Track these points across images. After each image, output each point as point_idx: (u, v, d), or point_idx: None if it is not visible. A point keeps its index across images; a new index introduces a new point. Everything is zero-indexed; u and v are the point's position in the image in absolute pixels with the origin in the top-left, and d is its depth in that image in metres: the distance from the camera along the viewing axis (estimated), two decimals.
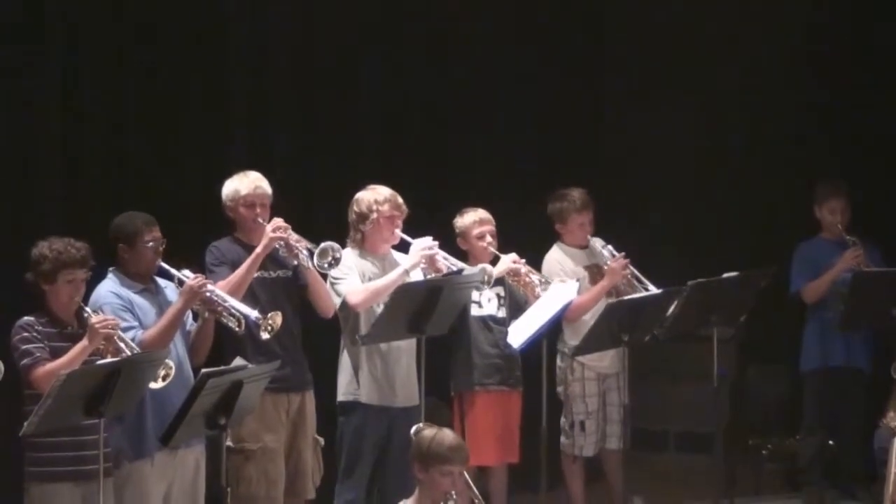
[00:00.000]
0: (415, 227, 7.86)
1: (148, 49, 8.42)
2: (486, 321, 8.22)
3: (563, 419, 8.64)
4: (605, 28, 10.67)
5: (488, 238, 8.21)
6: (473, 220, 8.26)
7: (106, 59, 8.27)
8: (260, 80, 8.99)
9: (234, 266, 7.35)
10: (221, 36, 8.82)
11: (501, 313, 8.24)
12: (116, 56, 8.31)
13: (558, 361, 8.54)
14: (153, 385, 6.47)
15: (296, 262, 7.42)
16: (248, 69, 8.92)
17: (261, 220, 7.42)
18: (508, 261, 8.08)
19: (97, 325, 6.44)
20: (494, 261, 8.12)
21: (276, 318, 6.95)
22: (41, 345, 6.46)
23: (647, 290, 8.31)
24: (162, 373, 6.48)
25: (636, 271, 8.43)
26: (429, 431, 6.19)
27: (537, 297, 8.01)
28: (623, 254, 8.45)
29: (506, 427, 8.23)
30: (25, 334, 6.47)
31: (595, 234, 8.61)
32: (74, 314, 6.58)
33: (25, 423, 6.11)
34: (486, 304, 8.23)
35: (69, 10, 8.13)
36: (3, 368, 6.16)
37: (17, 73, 7.91)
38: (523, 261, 8.11)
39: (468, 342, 8.16)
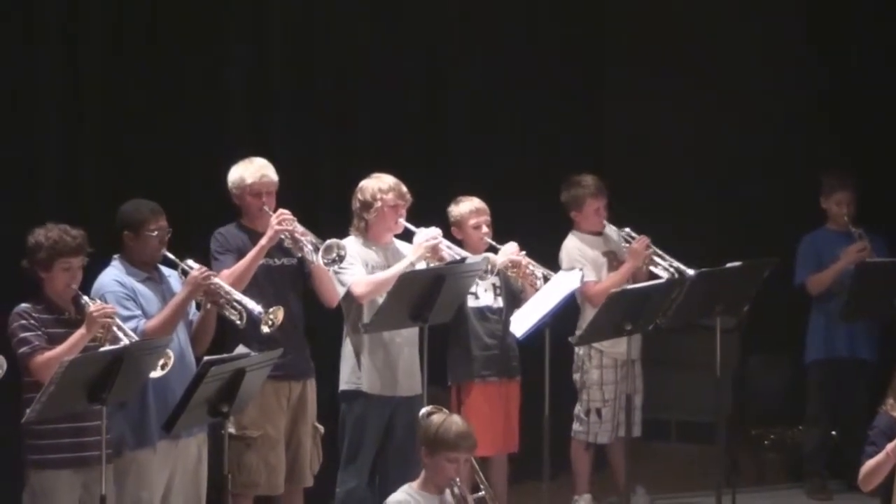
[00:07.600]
0: (417, 217, 7.82)
1: (147, 33, 8.35)
2: (483, 312, 8.14)
3: (577, 406, 8.61)
4: (606, 18, 10.60)
5: (484, 228, 8.14)
6: (470, 209, 8.18)
7: (104, 42, 8.21)
8: (260, 68, 8.91)
9: (240, 253, 7.34)
10: (221, 20, 8.75)
11: (498, 303, 8.18)
12: (114, 39, 8.25)
13: (576, 349, 8.50)
14: (152, 374, 6.44)
15: (300, 254, 7.39)
16: (247, 57, 8.85)
17: (266, 209, 7.39)
18: (509, 251, 7.99)
19: (95, 314, 6.41)
20: (491, 251, 8.04)
21: (279, 314, 6.92)
22: (38, 332, 6.43)
23: (671, 267, 8.28)
24: (161, 361, 6.44)
25: (658, 250, 8.41)
26: (438, 417, 6.16)
27: (536, 289, 7.93)
28: (644, 235, 8.43)
29: (505, 417, 8.16)
30: (23, 321, 6.44)
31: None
32: (71, 300, 6.55)
33: (28, 410, 6.08)
34: (482, 294, 8.14)
35: None
36: (5, 365, 6.09)
37: (13, 57, 7.85)
38: (523, 252, 8.02)
39: (466, 333, 8.10)
